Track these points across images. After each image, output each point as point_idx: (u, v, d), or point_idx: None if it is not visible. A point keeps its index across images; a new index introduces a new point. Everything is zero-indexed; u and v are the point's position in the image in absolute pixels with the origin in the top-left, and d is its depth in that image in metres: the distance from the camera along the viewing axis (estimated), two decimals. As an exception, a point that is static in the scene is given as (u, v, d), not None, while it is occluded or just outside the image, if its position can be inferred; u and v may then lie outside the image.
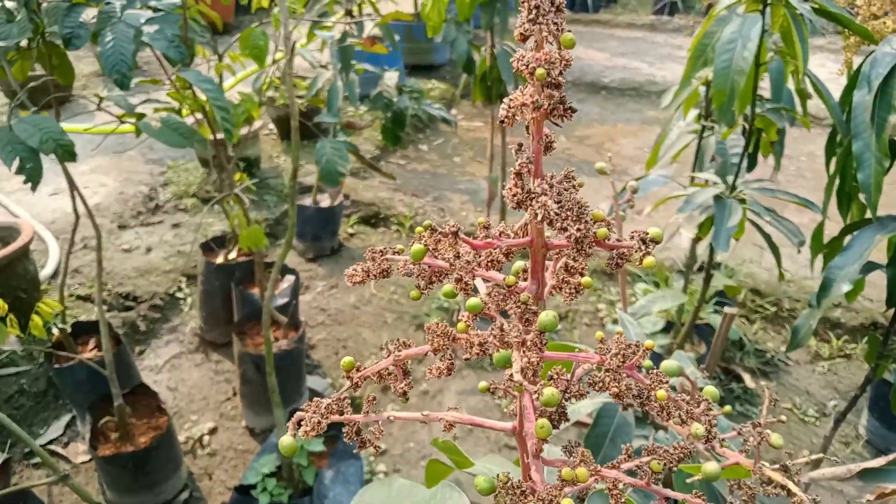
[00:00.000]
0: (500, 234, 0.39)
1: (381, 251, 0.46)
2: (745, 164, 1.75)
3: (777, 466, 0.61)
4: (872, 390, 2.41)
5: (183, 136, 1.53)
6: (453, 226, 0.42)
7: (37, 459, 2.42)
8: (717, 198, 1.63)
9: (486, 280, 0.44)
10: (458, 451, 0.77)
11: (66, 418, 2.57)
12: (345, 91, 2.70)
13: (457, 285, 0.41)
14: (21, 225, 2.88)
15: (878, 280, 1.86)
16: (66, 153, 1.61)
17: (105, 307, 2.94)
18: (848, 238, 1.42)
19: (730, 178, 1.70)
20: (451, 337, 0.42)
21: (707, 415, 0.41)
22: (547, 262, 0.46)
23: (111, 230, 3.56)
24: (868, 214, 1.38)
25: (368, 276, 0.45)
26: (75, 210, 2.04)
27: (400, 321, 3.13)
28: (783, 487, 0.58)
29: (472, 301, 0.44)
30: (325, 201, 3.50)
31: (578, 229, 0.33)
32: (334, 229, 3.54)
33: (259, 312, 2.59)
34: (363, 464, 1.99)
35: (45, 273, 3.15)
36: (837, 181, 1.48)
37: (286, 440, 0.45)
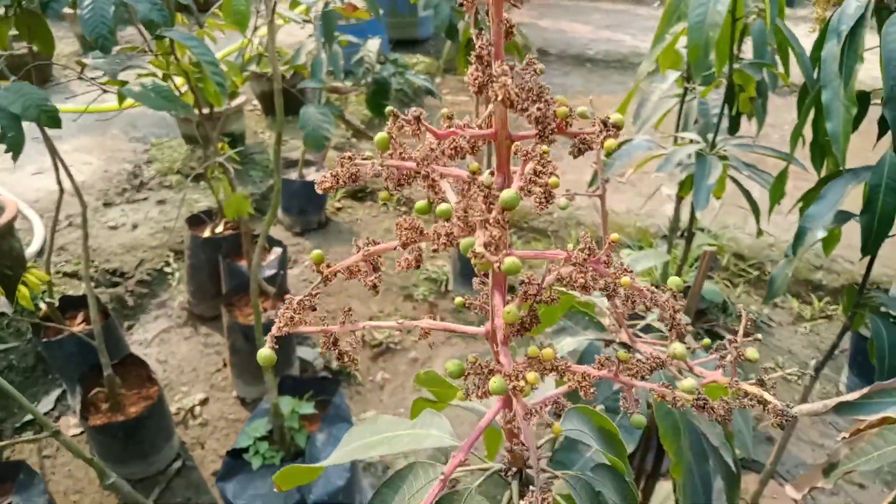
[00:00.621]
0: (464, 126, 0.41)
1: (349, 157, 0.47)
2: (725, 121, 1.77)
3: (753, 381, 0.64)
4: (852, 346, 2.46)
5: (166, 99, 1.53)
6: (416, 110, 0.43)
7: (28, 432, 2.43)
8: (698, 155, 1.65)
9: (454, 185, 0.46)
10: (442, 380, 0.80)
11: (56, 393, 2.58)
12: (329, 65, 2.69)
13: (424, 183, 0.43)
14: (4, 202, 2.86)
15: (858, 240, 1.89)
16: (50, 119, 1.60)
17: (92, 283, 2.93)
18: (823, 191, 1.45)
19: (711, 137, 1.72)
20: (419, 230, 0.44)
21: (671, 303, 0.43)
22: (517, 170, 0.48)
23: (96, 208, 3.54)
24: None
25: (338, 181, 0.47)
26: (59, 183, 2.04)
27: (388, 292, 3.15)
28: (759, 400, 0.61)
29: (443, 206, 0.46)
30: (311, 175, 3.50)
31: (539, 108, 0.35)
32: (321, 203, 3.54)
33: (247, 284, 2.60)
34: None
35: (30, 251, 3.13)
36: (811, 136, 1.51)
37: (264, 352, 0.46)
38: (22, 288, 1.85)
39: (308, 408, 1.93)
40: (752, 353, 0.59)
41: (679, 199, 1.93)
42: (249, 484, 1.86)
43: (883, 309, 1.51)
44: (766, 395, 0.60)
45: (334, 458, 0.62)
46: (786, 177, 1.51)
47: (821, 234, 1.35)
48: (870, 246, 1.36)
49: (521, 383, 0.42)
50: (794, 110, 1.55)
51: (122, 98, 1.72)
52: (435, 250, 0.43)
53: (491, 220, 0.40)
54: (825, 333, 2.93)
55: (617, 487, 0.61)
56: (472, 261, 0.39)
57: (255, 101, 4.64)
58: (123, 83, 1.77)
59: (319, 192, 0.47)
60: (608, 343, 0.92)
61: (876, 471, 2.34)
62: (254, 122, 4.48)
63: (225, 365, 2.72)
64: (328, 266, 0.48)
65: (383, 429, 0.66)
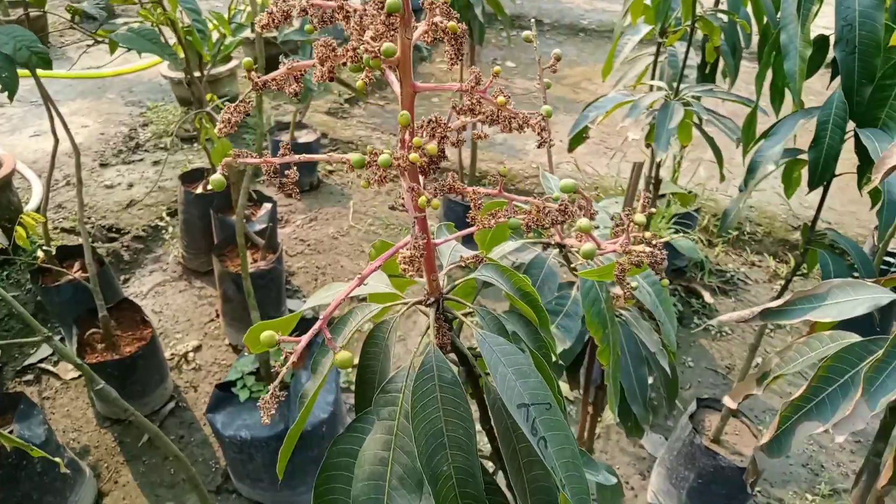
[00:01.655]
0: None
1: None
2: (693, 73, 1.84)
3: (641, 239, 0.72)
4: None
5: (152, 41, 1.60)
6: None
7: (29, 376, 2.54)
8: (662, 104, 1.73)
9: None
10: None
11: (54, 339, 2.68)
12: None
13: (341, 16, 0.50)
14: (1, 158, 2.94)
15: (839, 206, 1.95)
16: (41, 61, 1.68)
17: (90, 240, 3.03)
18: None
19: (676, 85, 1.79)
20: (332, 48, 0.51)
21: (539, 124, 0.51)
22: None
23: (93, 168, 3.63)
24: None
25: (274, 20, 0.53)
26: (54, 133, 2.11)
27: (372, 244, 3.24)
28: (645, 257, 0.70)
29: (388, 46, 0.54)
30: (302, 137, 3.57)
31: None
32: (313, 164, 3.61)
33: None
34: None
35: (29, 207, 3.22)
36: (770, 77, 1.58)
37: (216, 177, 0.55)
38: (19, 229, 1.94)
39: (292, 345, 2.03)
40: (639, 217, 0.68)
41: (648, 145, 2.01)
42: (237, 416, 1.97)
43: (831, 244, 1.60)
44: (651, 247, 0.68)
45: (300, 309, 0.71)
46: (755, 120, 1.58)
47: (770, 167, 1.43)
48: (816, 180, 1.44)
49: (410, 155, 0.50)
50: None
51: (113, 45, 1.79)
52: (343, 64, 0.51)
53: (380, 23, 0.48)
54: (800, 289, 3.02)
55: (530, 333, 0.70)
56: (367, 60, 0.48)
57: (250, 68, 4.69)
58: (108, 33, 1.85)
59: (258, 29, 0.54)
60: (546, 245, 1.00)
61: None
62: (247, 87, 4.53)
63: (217, 315, 2.82)
64: (258, 73, 0.56)
65: (336, 287, 0.75)
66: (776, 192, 3.59)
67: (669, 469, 2.05)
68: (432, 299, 0.63)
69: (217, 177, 0.55)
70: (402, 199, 0.56)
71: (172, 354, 2.61)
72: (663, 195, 2.95)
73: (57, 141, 2.14)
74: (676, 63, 2.00)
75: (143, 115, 4.10)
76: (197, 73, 2.23)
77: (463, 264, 0.73)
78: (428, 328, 0.63)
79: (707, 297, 2.86)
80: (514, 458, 0.63)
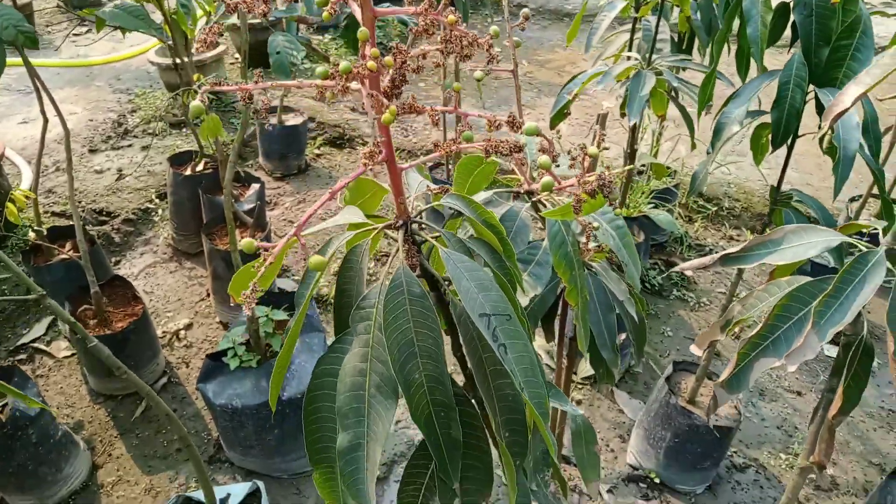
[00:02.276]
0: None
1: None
2: (664, 38, 1.90)
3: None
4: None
5: (138, 18, 1.64)
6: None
7: (22, 356, 2.59)
8: (635, 72, 1.79)
9: None
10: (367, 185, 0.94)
11: (47, 320, 2.73)
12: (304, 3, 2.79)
13: None
14: (-9, 142, 2.96)
15: (816, 182, 2.01)
16: (28, 40, 1.71)
17: (81, 222, 3.06)
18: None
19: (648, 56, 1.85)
20: None
21: (487, 42, 0.57)
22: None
23: (82, 154, 3.65)
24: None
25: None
26: (43, 113, 2.14)
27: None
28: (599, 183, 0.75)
29: None
30: (290, 120, 3.61)
31: None
32: (300, 148, 3.65)
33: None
34: (325, 336, 2.17)
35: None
36: (737, 46, 1.65)
37: (195, 103, 0.60)
38: (10, 205, 1.98)
39: (281, 315, 2.09)
40: (592, 150, 0.74)
41: (623, 115, 2.07)
42: (228, 385, 2.02)
43: (795, 204, 1.67)
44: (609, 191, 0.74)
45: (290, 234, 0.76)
46: (711, 83, 1.64)
47: (735, 128, 1.50)
48: (780, 139, 1.50)
49: (368, 63, 0.56)
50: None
51: (100, 23, 1.83)
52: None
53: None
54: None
55: (495, 260, 0.76)
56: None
57: (237, 55, 4.72)
58: (92, 11, 1.88)
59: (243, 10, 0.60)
60: (517, 195, 1.06)
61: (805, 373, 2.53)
62: (235, 74, 4.57)
63: (208, 294, 2.87)
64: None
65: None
66: (754, 167, 3.67)
67: (647, 430, 2.13)
68: (401, 222, 0.69)
69: (196, 103, 0.61)
70: (363, 104, 0.62)
71: (164, 332, 2.66)
72: (643, 171, 3.02)
73: (46, 121, 2.18)
74: (650, 36, 2.06)
75: (131, 102, 4.13)
76: (186, 59, 2.27)
77: (430, 193, 0.78)
78: (397, 251, 0.69)
79: (635, 286, 2.93)
80: (480, 367, 0.69)
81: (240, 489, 1.87)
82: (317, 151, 3.90)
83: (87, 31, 5.00)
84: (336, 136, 4.00)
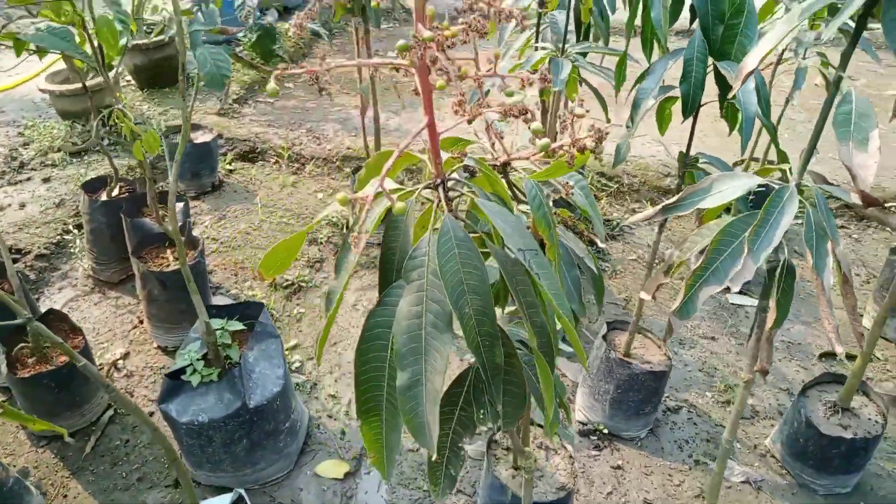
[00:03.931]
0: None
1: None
2: (571, 30, 2.10)
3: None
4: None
5: (63, 39, 1.63)
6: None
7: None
8: (552, 59, 1.97)
9: None
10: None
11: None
12: (207, 22, 2.79)
13: None
14: None
15: (730, 161, 2.30)
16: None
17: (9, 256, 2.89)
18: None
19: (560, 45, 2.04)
20: None
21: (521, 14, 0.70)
22: None
23: (-27, 193, 3.42)
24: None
25: None
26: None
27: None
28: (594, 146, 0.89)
29: None
30: (199, 137, 3.56)
31: None
32: (213, 164, 3.61)
33: (154, 237, 2.69)
34: (281, 341, 2.21)
35: None
36: (641, 30, 1.86)
37: (272, 86, 0.68)
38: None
39: (237, 325, 2.11)
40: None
41: (542, 100, 2.26)
42: (191, 401, 2.02)
43: (703, 165, 1.91)
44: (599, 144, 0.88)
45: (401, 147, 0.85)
46: (625, 64, 1.84)
47: (651, 101, 1.71)
48: (689, 109, 1.72)
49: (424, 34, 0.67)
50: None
51: (20, 46, 1.79)
52: None
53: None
54: (677, 229, 3.43)
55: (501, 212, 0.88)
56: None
57: (129, 77, 4.56)
58: (12, 35, 1.84)
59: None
60: (494, 167, 1.19)
61: (722, 323, 2.83)
62: (130, 96, 4.42)
63: (141, 322, 2.80)
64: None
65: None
66: (645, 144, 4.02)
67: (591, 387, 2.33)
68: (439, 180, 0.80)
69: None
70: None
71: (101, 364, 2.58)
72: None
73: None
74: (559, 28, 2.26)
75: (21, 135, 3.90)
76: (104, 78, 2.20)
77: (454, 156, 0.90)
78: (438, 206, 0.80)
79: (599, 243, 3.18)
80: (517, 295, 0.82)
81: (222, 500, 1.88)
82: (229, 167, 3.86)
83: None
84: (247, 151, 3.98)
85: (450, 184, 0.82)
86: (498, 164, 1.20)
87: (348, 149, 3.97)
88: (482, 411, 1.01)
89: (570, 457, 1.79)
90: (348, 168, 3.89)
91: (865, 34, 2.36)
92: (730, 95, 1.29)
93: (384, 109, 4.32)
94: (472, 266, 0.76)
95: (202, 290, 2.70)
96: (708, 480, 2.14)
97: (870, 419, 1.98)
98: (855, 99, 1.12)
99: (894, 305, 1.92)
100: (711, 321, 2.85)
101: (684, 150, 1.92)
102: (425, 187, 0.81)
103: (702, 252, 1.33)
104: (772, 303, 1.29)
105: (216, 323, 2.08)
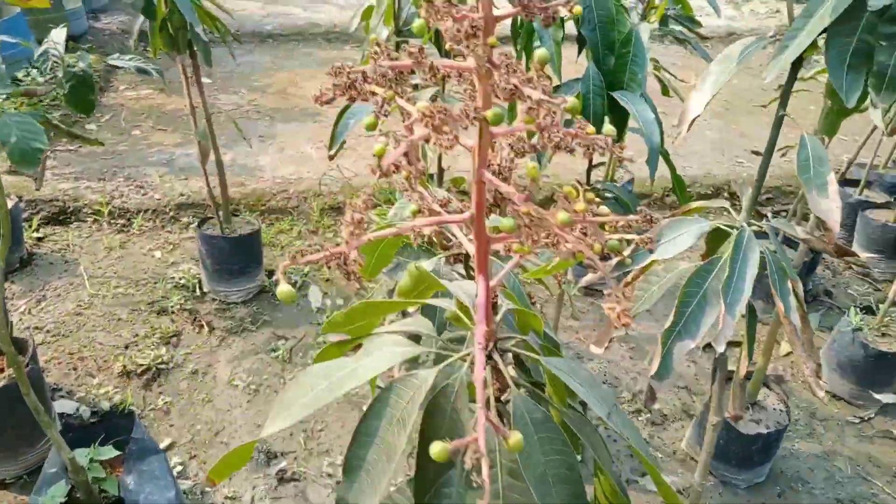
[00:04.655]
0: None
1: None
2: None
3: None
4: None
5: None
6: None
7: None
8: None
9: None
10: (369, 309, 0.82)
11: None
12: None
13: None
14: None
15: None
16: None
17: None
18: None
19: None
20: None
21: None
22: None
23: None
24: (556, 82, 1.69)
25: None
26: None
27: (136, 312, 2.85)
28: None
29: None
30: (-6, 208, 2.93)
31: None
32: (17, 236, 3.00)
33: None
34: (164, 456, 1.84)
35: None
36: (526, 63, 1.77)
37: (284, 289, 0.46)
38: None
39: (109, 452, 1.72)
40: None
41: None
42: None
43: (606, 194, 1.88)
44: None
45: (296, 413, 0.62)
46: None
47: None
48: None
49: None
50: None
51: None
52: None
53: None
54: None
55: (572, 368, 0.72)
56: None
57: None
58: None
59: None
60: (456, 258, 1.02)
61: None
62: None
63: (-43, 453, 2.22)
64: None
65: (327, 372, 0.65)
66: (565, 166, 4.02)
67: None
68: (491, 345, 0.61)
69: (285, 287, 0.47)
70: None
71: (-88, 523, 2.00)
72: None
73: None
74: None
75: None
76: None
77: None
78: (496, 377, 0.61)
79: None
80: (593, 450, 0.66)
81: None
82: (37, 235, 3.24)
83: None
84: (56, 213, 3.37)
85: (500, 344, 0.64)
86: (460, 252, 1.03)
87: (181, 195, 3.51)
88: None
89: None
90: (186, 217, 3.44)
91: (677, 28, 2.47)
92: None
93: (230, 142, 3.90)
94: (556, 451, 0.59)
95: (42, 401, 2.20)
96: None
97: (775, 409, 2.09)
98: (810, 144, 1.10)
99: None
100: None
101: (588, 173, 1.88)
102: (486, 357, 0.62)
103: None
104: (744, 350, 1.26)
105: (82, 454, 1.68)
